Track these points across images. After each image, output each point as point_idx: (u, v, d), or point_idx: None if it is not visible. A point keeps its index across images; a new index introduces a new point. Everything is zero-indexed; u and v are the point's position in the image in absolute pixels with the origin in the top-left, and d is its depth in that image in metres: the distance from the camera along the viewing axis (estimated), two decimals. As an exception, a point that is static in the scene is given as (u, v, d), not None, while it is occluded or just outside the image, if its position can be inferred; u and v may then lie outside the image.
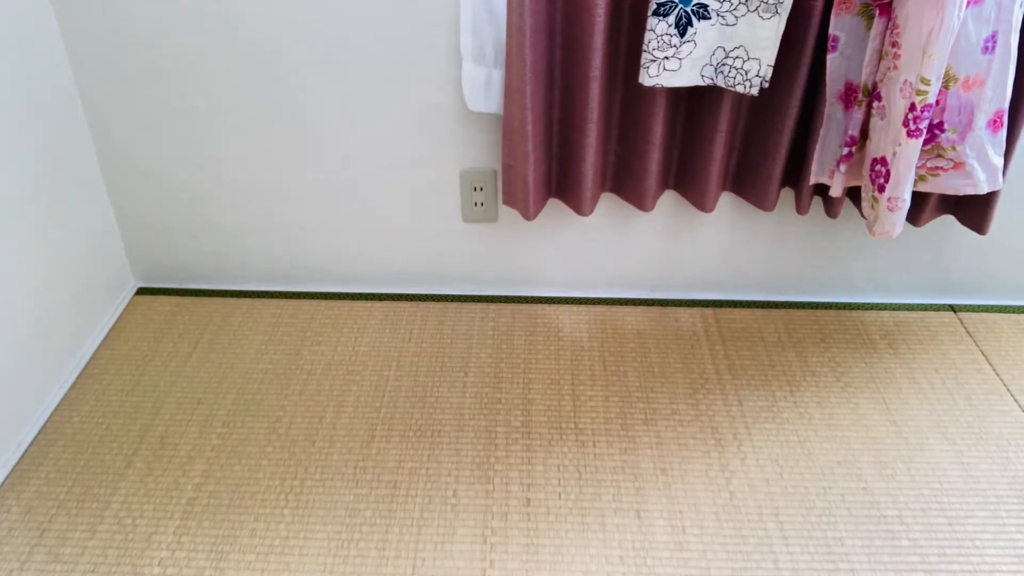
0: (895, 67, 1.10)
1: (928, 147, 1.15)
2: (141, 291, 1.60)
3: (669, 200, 1.46)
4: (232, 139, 1.40)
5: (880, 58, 1.13)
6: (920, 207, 1.35)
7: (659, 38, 1.12)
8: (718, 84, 1.18)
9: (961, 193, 1.20)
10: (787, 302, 1.59)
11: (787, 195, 1.42)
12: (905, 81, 1.09)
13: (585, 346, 1.47)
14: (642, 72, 1.16)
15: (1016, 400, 1.36)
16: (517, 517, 1.14)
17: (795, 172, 1.34)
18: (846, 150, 1.21)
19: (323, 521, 1.13)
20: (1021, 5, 1.06)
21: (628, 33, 1.20)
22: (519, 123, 1.22)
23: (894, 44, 1.10)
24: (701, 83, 1.18)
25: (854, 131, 1.20)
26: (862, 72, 1.15)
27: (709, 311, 1.57)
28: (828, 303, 1.59)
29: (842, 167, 1.23)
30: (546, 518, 1.14)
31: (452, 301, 1.59)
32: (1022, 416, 1.33)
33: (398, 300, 1.59)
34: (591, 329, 1.51)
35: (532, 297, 1.60)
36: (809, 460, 1.24)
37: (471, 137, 1.39)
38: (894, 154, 1.13)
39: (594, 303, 1.58)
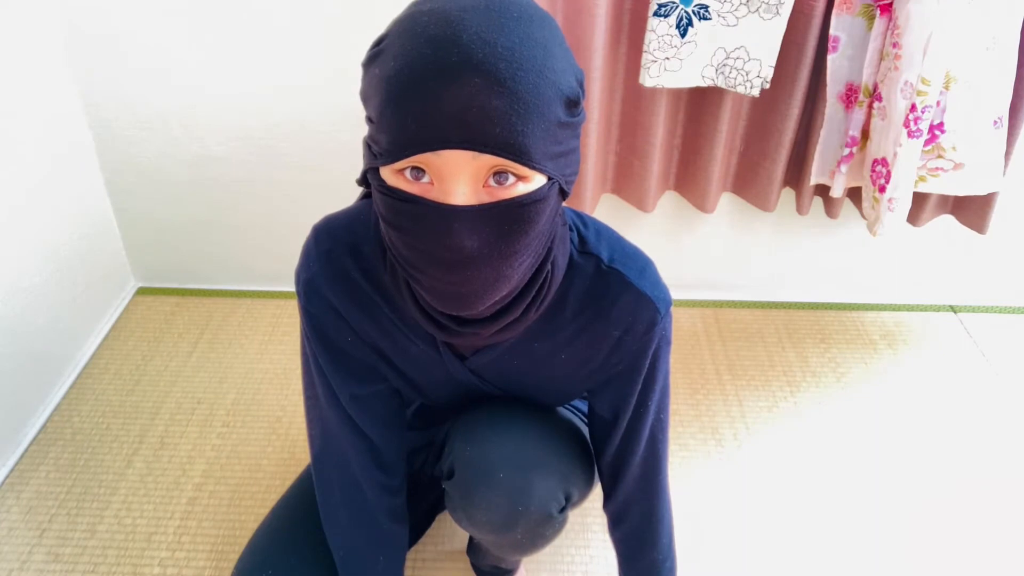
0: (896, 67, 1.10)
1: (928, 148, 1.15)
2: (141, 291, 1.60)
3: (669, 200, 1.45)
4: (232, 139, 1.40)
5: (881, 58, 1.13)
6: (920, 207, 1.35)
7: (660, 39, 1.12)
8: (719, 85, 1.18)
9: (961, 194, 1.20)
10: (787, 302, 1.59)
11: (787, 195, 1.42)
12: (906, 82, 1.09)
13: (585, 346, 1.46)
14: (643, 73, 1.16)
15: (1016, 400, 1.36)
16: (517, 517, 1.14)
17: (795, 172, 1.34)
18: (847, 150, 1.21)
19: (323, 521, 1.13)
20: (1021, 6, 1.06)
21: (629, 33, 1.20)
22: (519, 123, 1.22)
23: (895, 44, 1.10)
24: (702, 84, 1.17)
25: (855, 131, 1.20)
26: (863, 73, 1.15)
27: (709, 311, 1.57)
28: (828, 303, 1.59)
29: (843, 167, 1.23)
30: (546, 518, 1.14)
31: (452, 301, 1.58)
32: (1022, 416, 1.33)
33: (398, 300, 1.59)
34: (591, 329, 1.51)
35: (532, 297, 1.60)
36: (809, 460, 1.24)
37: (471, 137, 1.38)
38: (895, 155, 1.13)
39: (594, 303, 1.58)
